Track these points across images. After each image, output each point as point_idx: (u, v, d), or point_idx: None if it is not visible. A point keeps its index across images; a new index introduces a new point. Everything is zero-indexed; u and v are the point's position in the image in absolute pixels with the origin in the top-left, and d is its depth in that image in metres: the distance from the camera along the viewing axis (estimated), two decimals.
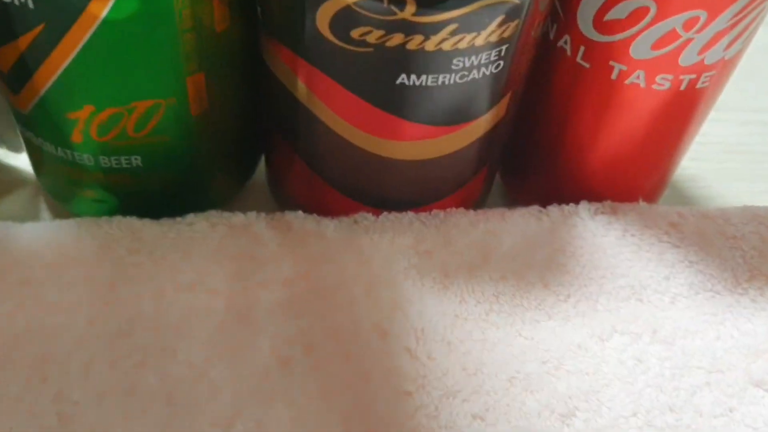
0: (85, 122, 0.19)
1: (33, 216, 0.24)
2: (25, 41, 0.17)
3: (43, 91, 0.18)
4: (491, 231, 0.21)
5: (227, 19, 0.19)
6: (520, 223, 0.21)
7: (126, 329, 0.19)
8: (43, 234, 0.20)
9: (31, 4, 0.16)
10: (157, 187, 0.21)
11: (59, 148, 0.20)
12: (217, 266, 0.20)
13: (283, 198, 0.24)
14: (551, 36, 0.21)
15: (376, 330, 0.19)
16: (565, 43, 0.20)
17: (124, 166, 0.20)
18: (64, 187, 0.22)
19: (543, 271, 0.21)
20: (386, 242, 0.20)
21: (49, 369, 0.18)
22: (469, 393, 0.18)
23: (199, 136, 0.21)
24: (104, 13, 0.17)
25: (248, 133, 0.23)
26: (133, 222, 0.20)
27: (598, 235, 0.22)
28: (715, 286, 0.21)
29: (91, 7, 0.17)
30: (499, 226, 0.21)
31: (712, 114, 0.23)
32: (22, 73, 0.18)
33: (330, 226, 0.20)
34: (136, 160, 0.20)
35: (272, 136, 0.22)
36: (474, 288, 0.20)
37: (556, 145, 0.23)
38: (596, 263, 0.21)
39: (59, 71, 0.18)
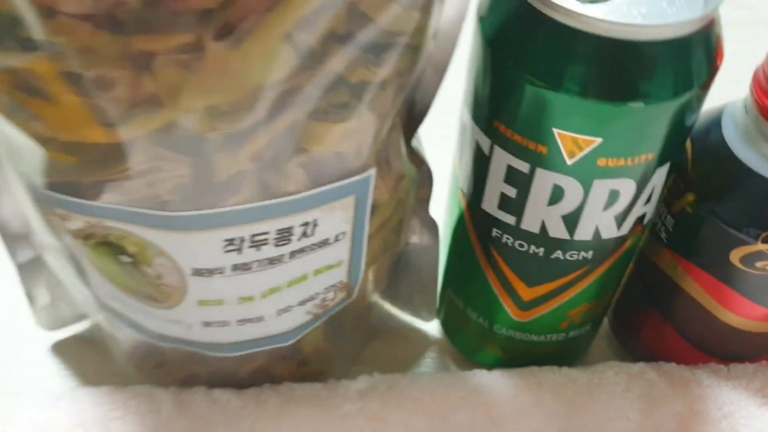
0: (573, 315, 0.29)
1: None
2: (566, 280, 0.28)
3: (551, 309, 0.29)
4: None
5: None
6: None
7: None
8: (512, 381, 0.30)
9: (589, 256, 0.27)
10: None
11: (548, 336, 0.30)
12: (628, 405, 0.29)
13: (633, 345, 0.33)
14: None
15: None
16: None
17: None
18: (491, 348, 0.32)
19: None
20: (743, 386, 0.29)
21: None
22: None
23: None
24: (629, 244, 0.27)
25: None
26: (569, 372, 0.30)
27: None
28: None
29: (627, 244, 0.27)
30: None
31: None
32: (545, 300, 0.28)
33: (702, 375, 0.30)
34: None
35: (640, 307, 0.32)
36: None
37: None
38: None
39: (584, 291, 0.28)
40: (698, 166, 0.28)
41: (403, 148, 0.25)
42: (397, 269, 0.31)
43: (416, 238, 0.30)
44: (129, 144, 0.20)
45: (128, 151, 0.20)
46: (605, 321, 0.35)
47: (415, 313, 0.34)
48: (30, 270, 0.30)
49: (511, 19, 0.23)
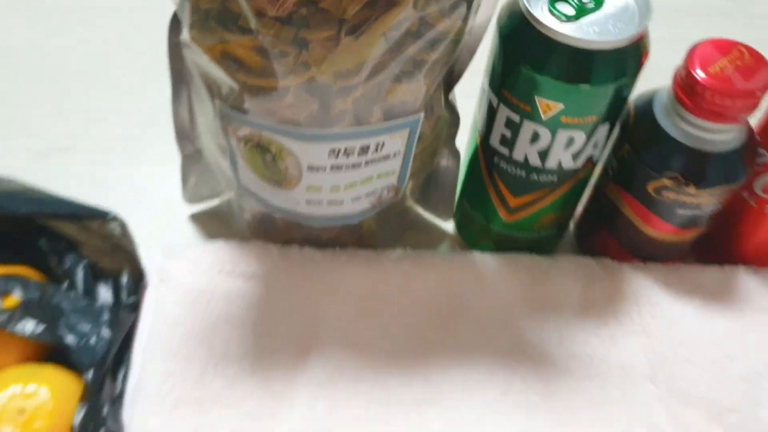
0: (544, 220, 0.43)
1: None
2: (538, 194, 0.42)
3: (529, 214, 0.43)
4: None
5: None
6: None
7: None
8: (497, 259, 0.45)
9: None
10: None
11: (527, 234, 0.44)
12: (574, 282, 0.44)
13: (589, 251, 0.48)
14: None
15: None
16: None
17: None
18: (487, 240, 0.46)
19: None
20: (653, 276, 0.44)
21: None
22: None
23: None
24: (582, 175, 0.41)
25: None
26: (536, 257, 0.45)
27: None
28: None
29: (580, 174, 0.41)
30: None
31: None
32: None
33: (627, 267, 0.44)
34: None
35: (595, 224, 0.46)
36: None
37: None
38: None
39: (550, 204, 0.42)
40: (635, 128, 0.42)
41: (443, 100, 0.39)
42: (428, 183, 0.46)
43: (444, 161, 0.45)
44: (286, 88, 0.34)
45: (286, 91, 0.34)
46: (571, 233, 0.49)
47: (438, 214, 0.49)
48: (189, 160, 0.45)
49: (517, 27, 0.37)
